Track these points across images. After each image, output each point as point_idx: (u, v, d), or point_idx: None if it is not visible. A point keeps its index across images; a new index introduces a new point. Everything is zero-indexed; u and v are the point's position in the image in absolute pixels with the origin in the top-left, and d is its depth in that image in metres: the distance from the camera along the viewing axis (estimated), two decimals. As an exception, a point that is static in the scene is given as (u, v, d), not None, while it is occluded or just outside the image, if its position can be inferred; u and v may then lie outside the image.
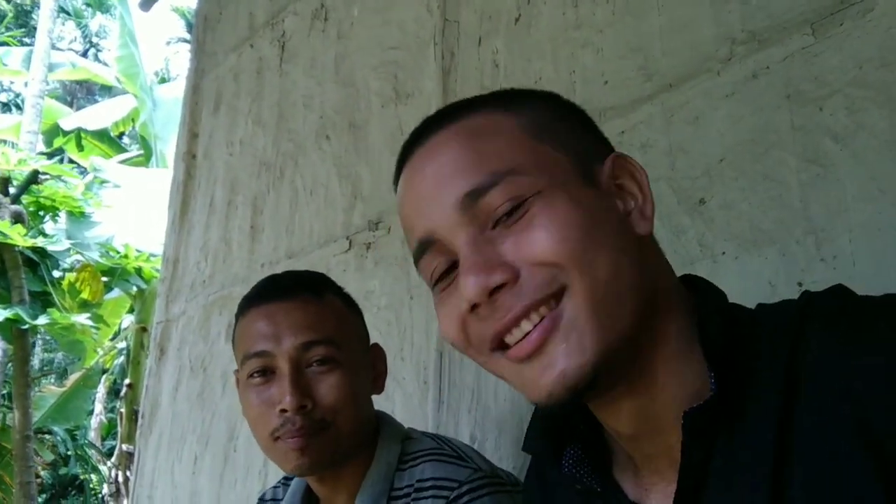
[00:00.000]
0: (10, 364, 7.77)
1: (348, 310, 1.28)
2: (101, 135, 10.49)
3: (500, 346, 0.71)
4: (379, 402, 2.02)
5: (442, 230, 0.73)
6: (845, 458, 0.59)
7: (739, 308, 0.76)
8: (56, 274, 6.82)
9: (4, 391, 10.03)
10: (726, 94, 1.39)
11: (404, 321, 2.06)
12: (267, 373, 1.17)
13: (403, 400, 1.99)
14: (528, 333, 0.68)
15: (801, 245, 1.25)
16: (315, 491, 1.27)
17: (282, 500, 1.34)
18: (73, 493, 19.42)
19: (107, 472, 9.07)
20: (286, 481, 1.38)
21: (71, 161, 10.71)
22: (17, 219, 6.43)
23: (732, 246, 1.33)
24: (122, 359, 11.38)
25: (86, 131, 10.28)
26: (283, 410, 1.13)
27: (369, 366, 1.30)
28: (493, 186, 0.71)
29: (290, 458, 1.14)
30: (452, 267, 0.73)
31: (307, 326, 1.17)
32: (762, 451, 0.65)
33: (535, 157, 0.74)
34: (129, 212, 6.70)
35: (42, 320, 6.04)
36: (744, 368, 0.68)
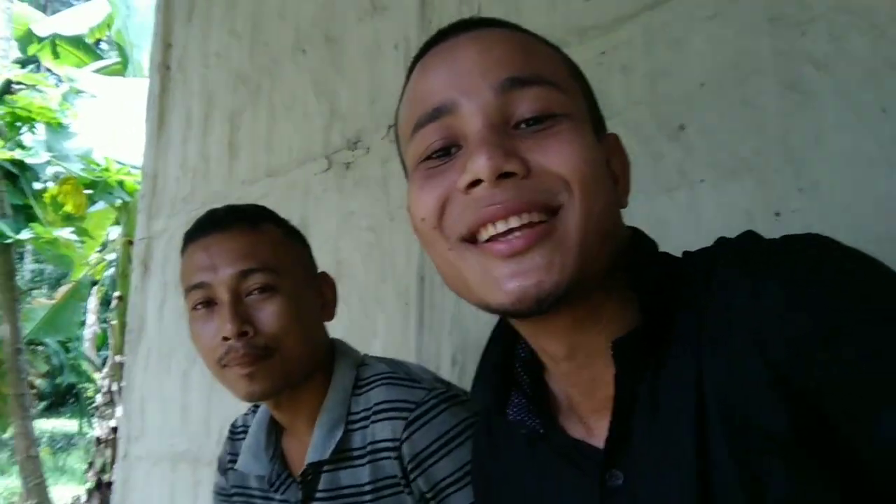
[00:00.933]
0: (-3, 277, 7.78)
1: (289, 238, 1.28)
2: (77, 41, 10.14)
3: (471, 237, 0.71)
4: (362, 323, 2.04)
5: (467, 104, 0.72)
6: (751, 385, 0.64)
7: (668, 256, 0.80)
8: (37, 187, 6.74)
9: (-5, 303, 10.07)
10: (708, 15, 1.34)
11: (385, 243, 2.06)
12: (210, 304, 1.18)
13: (386, 322, 2.01)
14: (511, 230, 0.68)
15: (779, 174, 1.23)
16: (276, 418, 1.30)
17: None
18: (71, 400, 19.83)
19: (100, 382, 9.20)
20: (255, 408, 1.40)
21: (48, 70, 10.43)
22: (-7, 131, 6.31)
23: (711, 173, 1.32)
24: (112, 270, 11.37)
25: (61, 37, 9.96)
26: (225, 338, 1.14)
27: (316, 293, 1.29)
28: (535, 84, 0.71)
29: (240, 384, 1.16)
30: (446, 153, 0.73)
31: (243, 255, 1.18)
32: (684, 384, 0.69)
33: (571, 89, 0.76)
34: (108, 123, 6.56)
35: (25, 234, 5.99)
36: (669, 308, 0.72)
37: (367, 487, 1.18)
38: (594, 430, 0.79)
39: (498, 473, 0.93)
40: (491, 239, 0.69)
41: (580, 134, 0.71)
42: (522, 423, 0.82)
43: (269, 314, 1.17)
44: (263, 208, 1.30)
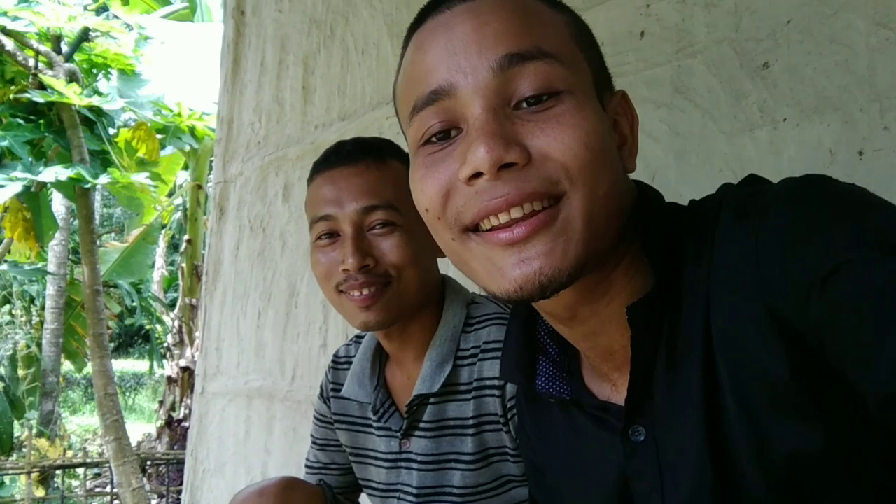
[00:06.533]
0: (73, 221, 7.99)
1: None
2: (146, -12, 10.32)
3: (474, 227, 0.71)
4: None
5: (466, 86, 0.69)
6: (753, 333, 0.64)
7: (674, 207, 0.79)
8: (111, 132, 6.91)
9: (71, 246, 10.44)
10: (796, -50, 1.33)
11: (458, 184, 2.08)
12: (333, 235, 1.22)
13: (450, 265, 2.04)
14: (514, 221, 0.68)
15: (864, 112, 1.22)
16: (385, 348, 1.34)
17: (354, 356, 1.41)
18: (139, 342, 20.56)
19: (170, 323, 9.52)
20: (358, 339, 1.45)
21: (115, 17, 10.61)
22: (71, 77, 6.47)
23: (794, 112, 1.31)
24: (178, 215, 11.67)
25: (129, -16, 10.10)
26: (346, 270, 1.18)
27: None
28: (535, 59, 0.69)
29: (356, 313, 1.20)
30: (446, 136, 0.72)
31: (368, 191, 1.20)
32: (695, 337, 0.70)
33: (574, 57, 0.73)
34: (178, 69, 6.67)
35: (103, 179, 6.15)
36: (678, 266, 0.72)
37: (471, 421, 1.22)
38: (619, 388, 0.80)
39: (540, 438, 0.96)
40: (493, 228, 0.69)
41: (582, 113, 0.68)
42: (549, 393, 0.84)
43: (389, 247, 1.19)
44: (390, 142, 1.31)
